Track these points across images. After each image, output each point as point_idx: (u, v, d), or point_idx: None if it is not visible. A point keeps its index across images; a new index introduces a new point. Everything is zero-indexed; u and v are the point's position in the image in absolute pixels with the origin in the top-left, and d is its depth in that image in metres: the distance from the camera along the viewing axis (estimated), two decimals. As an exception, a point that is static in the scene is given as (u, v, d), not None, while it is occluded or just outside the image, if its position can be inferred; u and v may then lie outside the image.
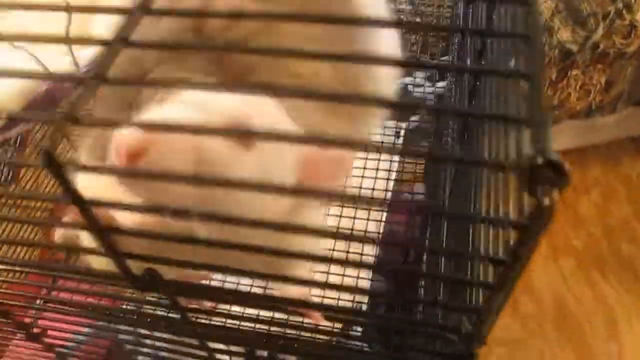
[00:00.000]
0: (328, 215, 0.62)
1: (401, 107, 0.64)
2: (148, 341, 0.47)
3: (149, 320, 0.34)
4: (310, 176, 0.28)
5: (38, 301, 0.37)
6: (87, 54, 0.52)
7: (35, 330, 0.36)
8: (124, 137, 0.24)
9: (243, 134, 0.25)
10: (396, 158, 0.68)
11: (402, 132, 0.70)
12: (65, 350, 0.41)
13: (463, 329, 0.24)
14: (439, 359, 0.28)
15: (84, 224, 0.22)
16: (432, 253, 0.36)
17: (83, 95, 0.19)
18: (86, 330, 0.46)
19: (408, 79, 0.67)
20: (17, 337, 0.47)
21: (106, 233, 0.21)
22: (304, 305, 0.28)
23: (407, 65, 0.63)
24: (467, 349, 0.25)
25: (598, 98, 1.44)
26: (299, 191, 0.20)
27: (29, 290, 0.36)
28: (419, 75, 0.67)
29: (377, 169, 0.65)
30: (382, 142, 0.66)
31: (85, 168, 0.19)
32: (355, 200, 0.20)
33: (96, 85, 0.19)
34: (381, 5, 0.39)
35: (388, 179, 0.67)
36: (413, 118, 0.71)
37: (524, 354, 1.33)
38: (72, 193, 0.19)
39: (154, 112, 0.27)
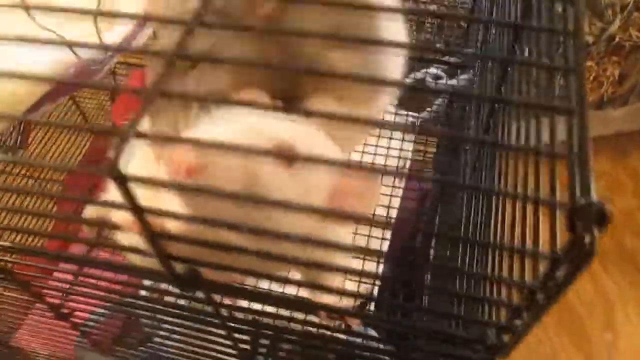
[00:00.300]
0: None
1: (430, 92, 0.65)
2: (166, 325, 0.48)
3: (174, 309, 0.35)
4: (339, 202, 0.31)
5: (67, 284, 0.38)
6: (112, 36, 0.53)
7: (65, 311, 0.37)
8: (184, 155, 0.26)
9: (286, 157, 0.27)
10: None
11: (418, 122, 0.71)
12: (86, 329, 0.43)
13: (488, 340, 0.25)
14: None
15: (123, 206, 0.23)
16: (464, 276, 0.37)
17: (143, 110, 0.20)
18: (103, 311, 0.48)
19: (424, 72, 0.68)
20: (33, 311, 0.49)
21: (157, 237, 0.22)
22: (333, 310, 0.29)
23: (440, 51, 0.63)
24: (488, 357, 0.26)
25: (610, 90, 1.44)
26: (330, 214, 0.21)
27: (58, 276, 0.37)
28: (438, 68, 0.68)
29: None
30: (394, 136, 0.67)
31: (146, 180, 0.20)
32: (383, 227, 0.21)
33: (154, 98, 0.20)
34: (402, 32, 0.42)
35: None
36: (426, 111, 0.71)
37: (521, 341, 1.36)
38: (132, 203, 0.20)
39: (209, 130, 0.28)
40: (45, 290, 0.35)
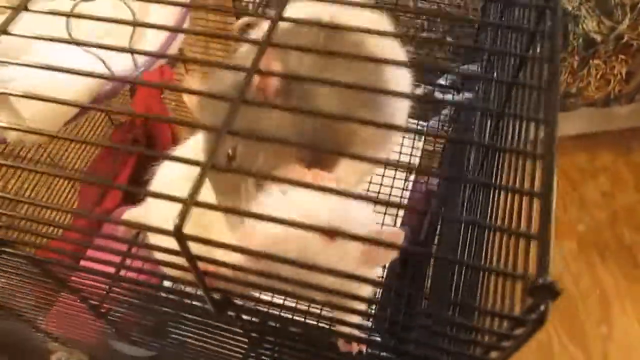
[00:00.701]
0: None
1: (433, 102, 0.68)
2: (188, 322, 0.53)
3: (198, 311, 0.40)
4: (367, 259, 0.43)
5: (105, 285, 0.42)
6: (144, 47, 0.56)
7: (102, 310, 0.42)
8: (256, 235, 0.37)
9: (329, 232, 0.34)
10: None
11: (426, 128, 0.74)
12: (114, 318, 0.48)
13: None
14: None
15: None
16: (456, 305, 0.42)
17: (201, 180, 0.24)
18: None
19: (431, 87, 0.71)
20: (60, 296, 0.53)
21: (202, 275, 0.26)
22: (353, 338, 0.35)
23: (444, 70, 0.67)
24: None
25: (617, 88, 1.46)
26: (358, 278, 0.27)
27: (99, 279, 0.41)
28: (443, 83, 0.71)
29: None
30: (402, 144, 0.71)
31: (204, 241, 0.24)
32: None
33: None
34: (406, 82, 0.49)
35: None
36: (433, 120, 0.74)
37: (518, 329, 1.40)
38: (189, 256, 0.24)
39: (272, 207, 0.40)
40: (85, 290, 0.40)
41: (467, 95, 0.66)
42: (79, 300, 0.40)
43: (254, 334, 0.41)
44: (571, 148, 1.67)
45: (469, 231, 0.47)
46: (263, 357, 0.53)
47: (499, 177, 0.41)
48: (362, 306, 0.46)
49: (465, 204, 0.55)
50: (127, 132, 0.90)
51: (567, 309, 1.43)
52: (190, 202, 0.23)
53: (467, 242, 0.47)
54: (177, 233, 0.22)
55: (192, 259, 0.25)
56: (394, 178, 0.72)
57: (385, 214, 0.69)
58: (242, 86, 0.26)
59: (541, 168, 0.25)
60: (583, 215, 1.56)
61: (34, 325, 0.58)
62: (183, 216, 0.22)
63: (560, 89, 1.47)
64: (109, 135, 0.95)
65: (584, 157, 1.66)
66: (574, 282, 1.47)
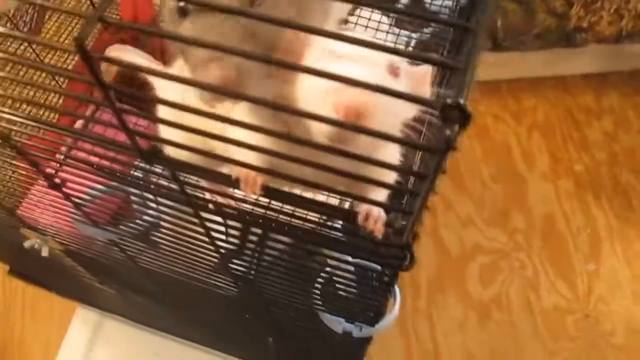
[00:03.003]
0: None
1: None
2: (152, 204, 0.54)
3: (151, 186, 0.40)
4: None
5: (61, 156, 0.42)
6: None
7: (57, 180, 0.42)
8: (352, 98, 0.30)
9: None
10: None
11: (413, 43, 0.72)
12: (81, 201, 0.48)
13: (396, 224, 0.29)
14: (382, 247, 0.33)
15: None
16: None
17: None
18: (101, 187, 0.53)
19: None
20: (35, 186, 0.54)
21: (120, 113, 0.26)
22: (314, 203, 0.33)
23: None
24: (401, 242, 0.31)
25: (630, 24, 1.40)
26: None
27: (53, 146, 0.42)
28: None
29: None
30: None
31: (110, 60, 0.23)
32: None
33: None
34: None
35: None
36: (425, 30, 0.72)
37: (506, 264, 1.42)
38: (98, 78, 0.23)
39: (344, 68, 0.32)
40: (42, 160, 0.40)
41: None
42: (34, 170, 0.41)
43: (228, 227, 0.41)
44: (579, 88, 1.63)
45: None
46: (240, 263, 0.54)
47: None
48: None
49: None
50: (115, 33, 0.89)
51: (556, 246, 1.44)
52: (94, 17, 0.22)
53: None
54: (79, 47, 0.22)
55: (104, 85, 0.24)
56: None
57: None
58: None
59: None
60: (583, 155, 1.55)
61: (7, 209, 0.59)
62: (85, 30, 0.22)
63: (570, 23, 1.42)
64: (97, 36, 0.93)
65: (591, 97, 1.62)
66: (566, 220, 1.47)
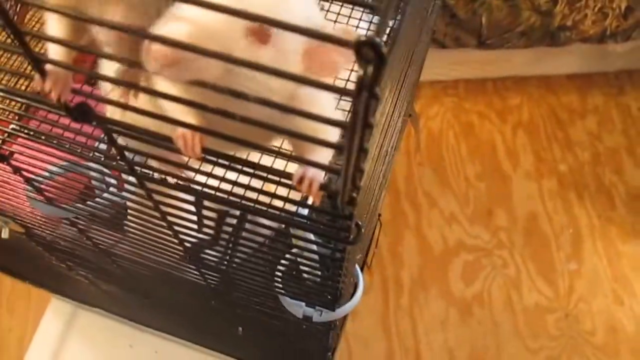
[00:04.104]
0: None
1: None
2: (113, 181, 0.52)
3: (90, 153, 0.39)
4: (313, 67, 0.33)
5: (11, 126, 0.41)
6: None
7: (3, 151, 0.41)
8: (159, 50, 0.28)
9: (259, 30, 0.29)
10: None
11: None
12: (36, 177, 0.47)
13: (332, 187, 0.28)
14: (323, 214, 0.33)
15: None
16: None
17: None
18: (62, 163, 0.51)
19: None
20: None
21: (40, 63, 0.25)
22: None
23: None
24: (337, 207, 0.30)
25: (614, 24, 1.41)
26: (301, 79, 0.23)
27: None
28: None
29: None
30: None
31: (40, 36, 0.22)
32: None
33: None
34: None
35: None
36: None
37: (488, 262, 1.42)
38: (29, 52, 0.23)
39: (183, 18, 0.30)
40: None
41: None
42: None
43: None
44: (563, 88, 1.63)
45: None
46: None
47: None
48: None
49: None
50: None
51: (538, 245, 1.43)
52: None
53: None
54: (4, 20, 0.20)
55: (19, 33, 0.23)
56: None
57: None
58: None
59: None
60: (567, 155, 1.54)
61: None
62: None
63: (555, 21, 1.42)
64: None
65: (575, 97, 1.62)
66: (549, 219, 1.47)
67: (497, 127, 1.59)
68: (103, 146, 0.58)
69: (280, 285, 0.54)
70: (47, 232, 0.64)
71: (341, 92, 0.22)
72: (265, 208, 0.40)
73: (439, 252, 1.44)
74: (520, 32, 1.42)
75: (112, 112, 0.38)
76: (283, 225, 0.52)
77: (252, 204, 0.39)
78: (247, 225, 0.53)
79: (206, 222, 0.52)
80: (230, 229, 0.56)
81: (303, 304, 0.55)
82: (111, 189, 0.54)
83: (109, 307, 1.09)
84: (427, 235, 1.46)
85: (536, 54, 1.53)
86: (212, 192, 0.40)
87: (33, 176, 0.46)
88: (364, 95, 0.20)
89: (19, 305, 1.33)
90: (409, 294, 1.39)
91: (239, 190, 0.41)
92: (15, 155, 0.42)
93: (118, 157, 0.33)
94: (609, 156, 1.53)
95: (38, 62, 0.26)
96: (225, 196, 0.40)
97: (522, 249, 1.43)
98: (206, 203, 0.44)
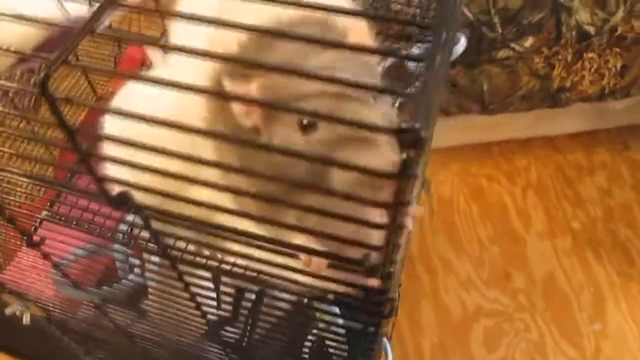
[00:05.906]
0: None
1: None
2: (137, 262, 0.53)
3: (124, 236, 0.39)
4: None
5: (43, 213, 0.42)
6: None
7: (35, 238, 0.41)
8: None
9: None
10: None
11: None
12: (63, 261, 0.47)
13: (367, 264, 0.28)
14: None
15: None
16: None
17: (73, 42, 0.24)
18: (87, 246, 0.52)
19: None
20: (21, 249, 0.54)
21: (88, 158, 0.26)
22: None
23: None
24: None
25: (612, 82, 1.44)
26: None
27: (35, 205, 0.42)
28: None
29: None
30: None
31: (70, 100, 0.24)
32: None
33: (84, 36, 0.24)
34: None
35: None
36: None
37: (510, 326, 1.38)
38: (62, 121, 0.24)
39: None
40: (22, 217, 0.40)
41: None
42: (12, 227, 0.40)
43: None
44: (568, 146, 1.65)
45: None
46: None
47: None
48: None
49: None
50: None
51: (560, 306, 1.40)
52: (57, 61, 0.22)
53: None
54: (42, 88, 0.22)
55: (67, 126, 0.24)
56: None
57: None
58: None
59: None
60: (578, 212, 1.54)
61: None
62: (49, 71, 0.22)
63: (554, 84, 1.46)
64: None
65: (581, 154, 1.64)
66: (567, 279, 1.44)
67: (507, 189, 1.60)
68: (124, 226, 0.59)
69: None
70: (69, 314, 0.64)
71: (382, 175, 0.22)
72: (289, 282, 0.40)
73: (458, 318, 1.41)
74: (521, 96, 1.45)
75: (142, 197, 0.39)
76: (305, 300, 0.52)
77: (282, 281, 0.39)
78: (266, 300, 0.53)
79: (225, 298, 0.52)
80: (249, 304, 0.56)
81: (332, 380, 0.53)
82: (135, 269, 0.54)
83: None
84: (445, 301, 1.43)
85: (539, 116, 1.56)
86: (242, 270, 0.40)
87: (60, 260, 0.46)
88: (404, 176, 0.21)
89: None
90: (431, 364, 1.35)
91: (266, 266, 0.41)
92: (47, 241, 0.42)
93: (151, 241, 0.34)
94: (621, 211, 1.53)
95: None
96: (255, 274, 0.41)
97: (543, 311, 1.40)
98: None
